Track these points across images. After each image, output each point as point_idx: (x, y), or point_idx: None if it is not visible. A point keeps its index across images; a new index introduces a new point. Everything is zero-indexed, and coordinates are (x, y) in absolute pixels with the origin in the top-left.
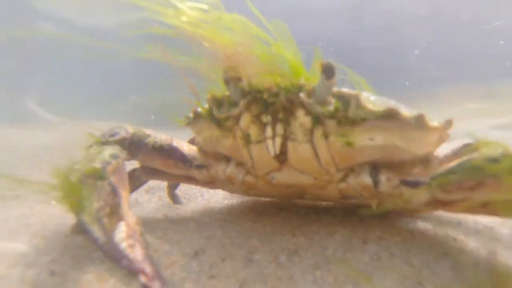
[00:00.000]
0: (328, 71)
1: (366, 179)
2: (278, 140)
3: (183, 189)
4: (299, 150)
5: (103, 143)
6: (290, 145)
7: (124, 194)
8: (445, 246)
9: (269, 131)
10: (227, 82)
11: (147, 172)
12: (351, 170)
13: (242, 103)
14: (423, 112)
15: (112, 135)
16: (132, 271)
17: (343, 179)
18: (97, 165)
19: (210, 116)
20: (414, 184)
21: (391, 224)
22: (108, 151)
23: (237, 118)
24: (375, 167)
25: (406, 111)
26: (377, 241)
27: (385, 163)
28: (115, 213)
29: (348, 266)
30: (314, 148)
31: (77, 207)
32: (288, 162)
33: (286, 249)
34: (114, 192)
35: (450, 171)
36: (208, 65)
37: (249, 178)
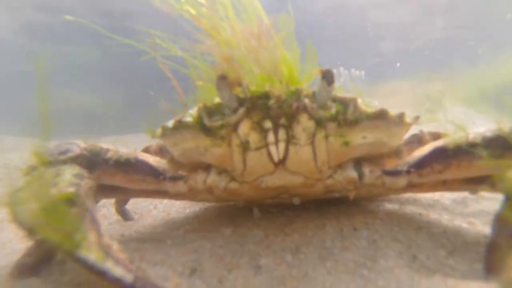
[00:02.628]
0: (328, 78)
1: (352, 173)
2: (282, 145)
3: (131, 203)
4: (300, 153)
5: (53, 163)
6: (292, 149)
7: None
8: (416, 220)
9: (271, 137)
10: (220, 89)
11: (104, 190)
12: (339, 166)
13: (241, 110)
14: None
15: (63, 153)
16: None
17: (331, 175)
18: (70, 188)
19: (200, 125)
20: (395, 173)
21: (367, 210)
22: (69, 171)
23: (235, 126)
24: (357, 162)
25: (390, 110)
26: (364, 226)
27: (368, 157)
28: None
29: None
30: (314, 150)
31: (69, 242)
32: (284, 166)
33: (288, 248)
34: (94, 221)
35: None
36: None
37: (232, 185)
